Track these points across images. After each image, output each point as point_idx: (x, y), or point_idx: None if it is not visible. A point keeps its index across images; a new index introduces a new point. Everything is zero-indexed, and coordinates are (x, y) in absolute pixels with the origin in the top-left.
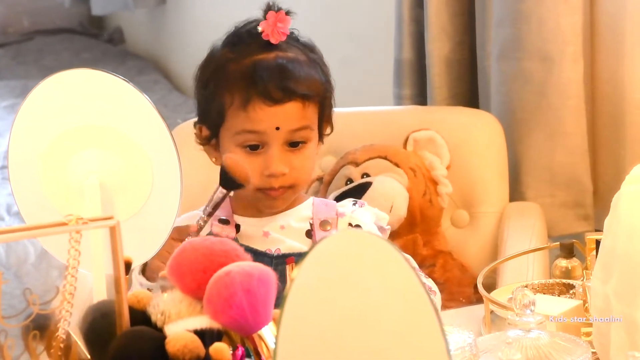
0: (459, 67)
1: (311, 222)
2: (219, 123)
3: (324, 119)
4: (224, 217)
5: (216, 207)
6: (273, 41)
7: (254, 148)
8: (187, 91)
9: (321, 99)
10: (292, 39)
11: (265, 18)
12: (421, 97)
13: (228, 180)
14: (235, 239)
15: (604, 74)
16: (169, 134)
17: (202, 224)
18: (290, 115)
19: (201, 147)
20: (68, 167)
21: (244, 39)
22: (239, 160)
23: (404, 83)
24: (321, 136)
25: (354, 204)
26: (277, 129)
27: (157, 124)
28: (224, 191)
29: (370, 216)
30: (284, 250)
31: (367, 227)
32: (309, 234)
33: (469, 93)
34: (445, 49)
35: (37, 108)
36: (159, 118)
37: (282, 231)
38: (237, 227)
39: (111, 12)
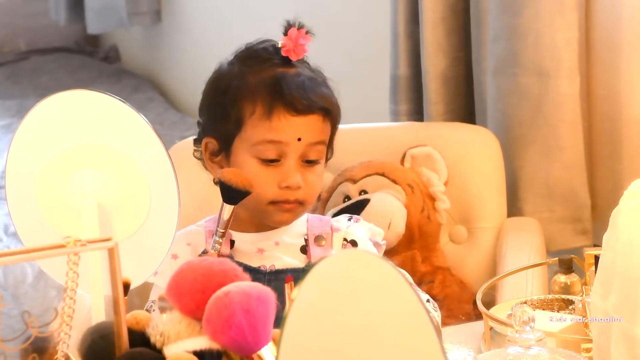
0: (455, 83)
1: (306, 237)
2: (234, 133)
3: (331, 140)
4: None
5: (227, 225)
6: (293, 57)
7: (271, 160)
8: (183, 109)
9: (335, 117)
10: (303, 61)
11: (285, 34)
12: (418, 114)
13: (231, 193)
14: (230, 256)
15: (600, 89)
16: (165, 153)
17: (218, 247)
18: (312, 127)
19: (202, 164)
20: (65, 187)
21: (259, 55)
22: (236, 170)
23: (401, 99)
24: (326, 157)
25: (349, 219)
26: (299, 140)
27: (154, 143)
28: (231, 207)
29: (366, 231)
30: (279, 266)
31: (362, 243)
32: (304, 249)
33: (465, 109)
34: (442, 65)
35: (34, 129)
36: (155, 137)
37: (276, 247)
38: (232, 243)
39: (106, 30)
